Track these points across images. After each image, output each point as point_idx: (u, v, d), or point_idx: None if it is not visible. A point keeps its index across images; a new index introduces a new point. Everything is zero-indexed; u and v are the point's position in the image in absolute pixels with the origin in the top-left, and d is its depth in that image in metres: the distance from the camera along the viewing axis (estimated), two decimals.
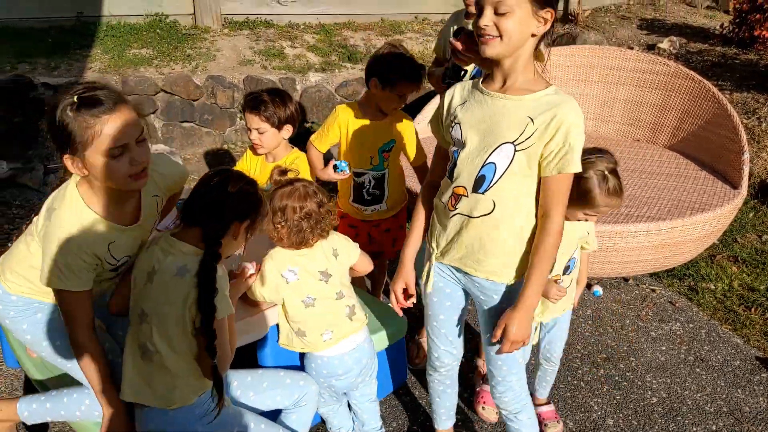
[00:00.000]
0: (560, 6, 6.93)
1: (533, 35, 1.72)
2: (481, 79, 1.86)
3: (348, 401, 2.36)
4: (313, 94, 5.45)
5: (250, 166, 2.88)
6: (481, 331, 2.06)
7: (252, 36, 5.97)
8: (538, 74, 1.79)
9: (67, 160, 1.73)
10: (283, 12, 6.28)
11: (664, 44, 6.39)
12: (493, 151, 1.77)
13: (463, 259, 1.91)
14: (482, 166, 1.79)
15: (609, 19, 7.10)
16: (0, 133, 4.66)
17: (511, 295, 1.86)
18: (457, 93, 1.91)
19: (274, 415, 2.15)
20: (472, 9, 2.00)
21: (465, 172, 1.83)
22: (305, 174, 2.73)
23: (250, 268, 2.15)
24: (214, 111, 5.27)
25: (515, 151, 1.75)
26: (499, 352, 1.86)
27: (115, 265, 1.91)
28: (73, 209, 1.82)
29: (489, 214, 1.81)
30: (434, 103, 4.46)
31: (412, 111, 3.91)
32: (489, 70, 1.83)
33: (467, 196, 1.83)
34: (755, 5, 6.05)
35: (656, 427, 2.55)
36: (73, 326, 1.86)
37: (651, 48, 6.44)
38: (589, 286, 3.52)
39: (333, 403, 2.30)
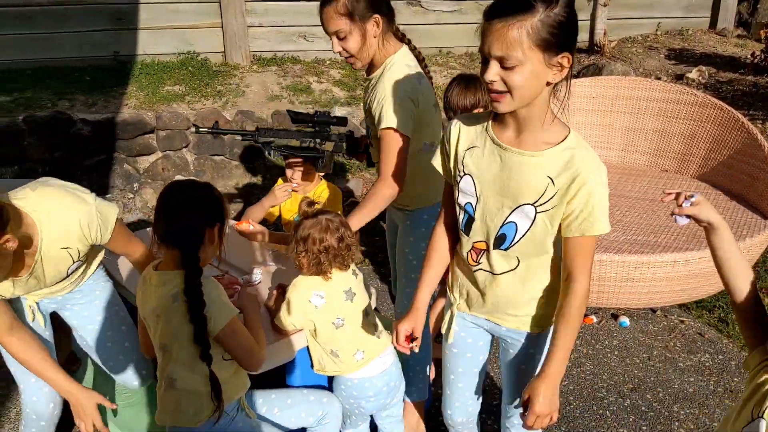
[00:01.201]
0: (585, 37, 6.96)
1: (548, 83, 1.54)
2: (490, 123, 1.69)
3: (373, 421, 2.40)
4: None
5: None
6: (503, 381, 2.00)
7: (279, 72, 6.09)
8: (555, 119, 1.63)
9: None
10: (309, 48, 6.40)
11: (693, 74, 6.36)
12: (513, 211, 1.67)
13: (491, 312, 1.85)
14: (502, 225, 1.70)
15: (636, 49, 7.10)
16: (40, 167, 4.82)
17: (540, 342, 1.83)
18: (462, 133, 1.75)
19: None
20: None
21: (483, 229, 1.74)
22: (334, 205, 2.85)
23: (257, 275, 2.40)
24: (242, 145, 5.37)
25: (536, 212, 1.65)
26: (525, 426, 1.69)
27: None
28: None
29: (514, 270, 1.74)
30: None
31: None
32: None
33: (488, 252, 1.75)
34: None
35: None
36: None
37: (679, 78, 6.41)
38: (615, 316, 3.49)
39: (360, 424, 2.33)
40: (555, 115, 1.62)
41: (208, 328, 1.83)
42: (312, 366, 2.23)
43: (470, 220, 1.75)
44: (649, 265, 3.23)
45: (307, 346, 2.23)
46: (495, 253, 1.73)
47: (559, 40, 1.47)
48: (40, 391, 2.22)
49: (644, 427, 2.67)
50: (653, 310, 3.57)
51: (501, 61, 1.47)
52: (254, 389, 2.12)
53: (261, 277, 2.54)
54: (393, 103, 2.16)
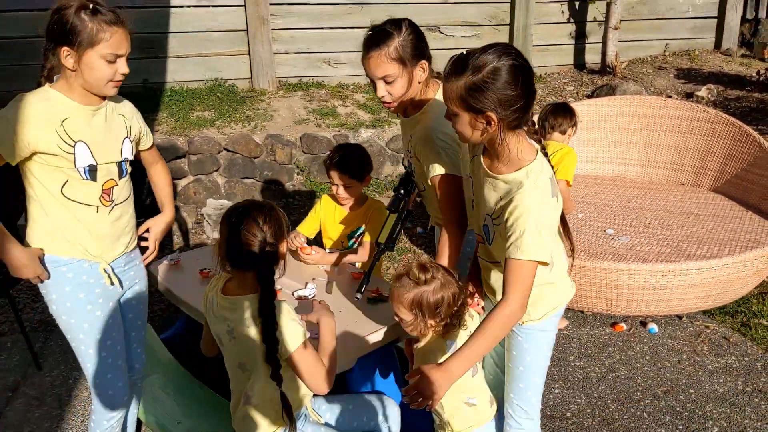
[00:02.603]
0: (598, 59, 7.20)
1: (484, 132, 1.77)
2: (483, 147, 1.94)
3: None
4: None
5: (325, 213, 3.16)
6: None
7: (306, 96, 6.32)
8: (518, 157, 1.81)
9: (64, 52, 1.95)
10: (333, 74, 6.63)
11: (702, 92, 6.58)
12: (485, 218, 1.95)
13: (492, 294, 2.11)
14: (483, 226, 1.98)
15: (646, 69, 7.33)
16: None
17: (531, 336, 2.03)
18: (469, 145, 2.01)
19: None
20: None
21: (476, 225, 2.07)
22: (379, 220, 2.98)
23: (312, 289, 2.64)
24: (273, 167, 5.58)
25: (493, 224, 1.90)
26: (405, 396, 1.77)
27: (71, 146, 2.01)
28: (38, 91, 2.03)
29: (498, 263, 1.98)
30: None
31: None
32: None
33: (483, 243, 2.04)
34: None
35: None
36: None
37: (689, 96, 6.63)
38: (644, 324, 3.66)
39: None
40: (519, 155, 1.81)
41: (278, 350, 1.91)
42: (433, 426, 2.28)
43: (471, 215, 2.11)
44: (676, 273, 3.41)
45: (364, 355, 2.36)
46: (485, 246, 2.03)
47: (480, 101, 1.72)
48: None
49: (680, 427, 2.84)
50: (679, 317, 3.74)
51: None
52: (318, 396, 2.26)
53: (315, 291, 2.69)
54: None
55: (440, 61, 2.06)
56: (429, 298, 2.02)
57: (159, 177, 2.53)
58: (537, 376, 2.10)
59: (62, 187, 2.05)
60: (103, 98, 2.11)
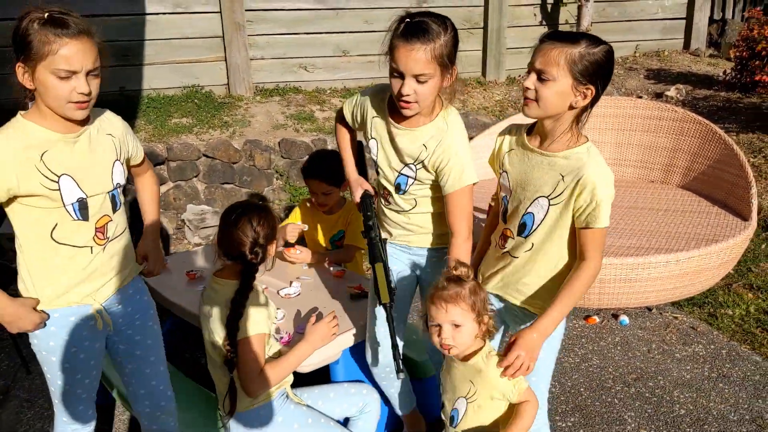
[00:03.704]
0: None
1: (572, 107, 1.88)
2: (526, 131, 2.08)
3: None
4: None
5: (304, 220, 3.24)
6: None
7: (283, 102, 6.39)
8: (578, 135, 1.95)
9: (20, 69, 1.76)
10: (310, 79, 6.71)
11: (671, 92, 6.75)
12: (532, 202, 2.00)
13: (505, 287, 2.15)
14: (524, 215, 2.03)
15: (617, 71, 7.50)
16: None
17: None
18: (506, 140, 2.13)
19: (342, 424, 2.44)
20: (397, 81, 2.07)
21: (512, 217, 2.08)
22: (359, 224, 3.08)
23: (296, 287, 2.75)
24: (252, 173, 5.65)
25: (549, 204, 1.97)
26: (500, 364, 1.89)
27: (54, 182, 1.86)
28: (12, 124, 1.84)
29: (528, 251, 2.04)
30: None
31: None
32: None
33: (513, 239, 2.08)
34: (754, 52, 6.41)
35: None
36: None
37: (659, 96, 6.79)
38: (616, 316, 3.78)
39: None
40: (579, 132, 1.96)
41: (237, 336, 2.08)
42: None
43: (506, 210, 2.12)
44: (645, 266, 3.53)
45: (350, 347, 2.49)
46: (518, 239, 2.06)
47: (590, 71, 1.83)
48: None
49: (649, 411, 2.96)
50: (649, 309, 3.87)
51: (539, 73, 1.87)
52: (301, 386, 2.40)
53: (300, 289, 2.79)
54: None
55: None
56: (479, 291, 1.96)
57: (144, 188, 2.37)
58: (548, 368, 2.15)
59: (51, 232, 1.91)
60: (84, 122, 1.92)
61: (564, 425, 2.89)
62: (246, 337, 2.08)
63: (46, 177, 1.84)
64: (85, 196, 1.92)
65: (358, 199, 2.37)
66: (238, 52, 6.33)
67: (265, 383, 2.14)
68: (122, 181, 2.06)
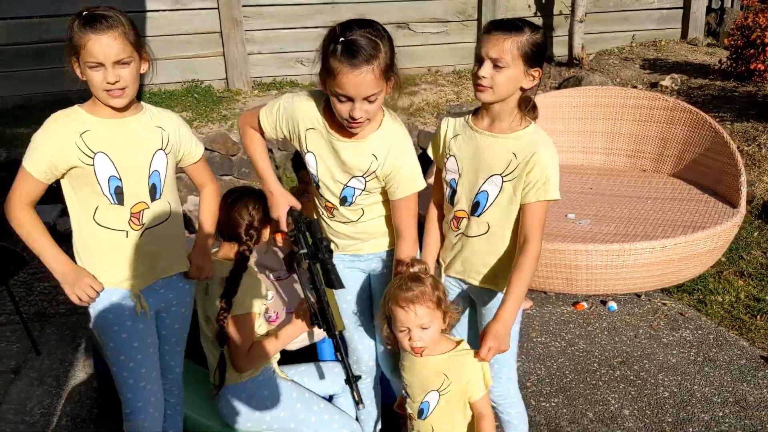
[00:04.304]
0: (565, 51, 7.38)
1: (522, 89, 2.03)
2: (470, 117, 2.17)
3: None
4: None
5: None
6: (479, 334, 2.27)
7: (279, 95, 6.45)
8: (521, 117, 2.08)
9: (73, 62, 1.99)
10: (306, 72, 6.76)
11: (666, 81, 6.77)
12: (485, 181, 2.11)
13: (466, 271, 2.24)
14: (477, 194, 2.13)
15: (613, 61, 7.52)
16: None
17: None
18: (450, 126, 2.22)
19: (327, 401, 2.57)
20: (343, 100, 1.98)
21: (463, 198, 2.17)
22: None
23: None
24: (250, 165, 5.72)
25: (503, 181, 2.08)
26: (476, 355, 1.97)
27: (90, 158, 2.01)
28: (65, 110, 2.07)
29: (485, 234, 2.15)
30: None
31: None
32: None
33: (467, 218, 2.17)
34: (749, 41, 6.43)
35: (668, 415, 2.85)
36: (8, 196, 2.04)
37: (654, 86, 6.82)
38: (604, 302, 3.84)
39: None
40: (522, 113, 2.08)
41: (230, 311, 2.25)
42: None
43: (453, 192, 2.19)
44: (631, 252, 3.59)
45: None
46: (472, 219, 2.15)
47: (535, 56, 1.97)
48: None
49: (633, 393, 3.02)
50: (638, 295, 3.92)
51: (495, 61, 1.95)
52: (289, 364, 2.54)
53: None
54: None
55: (409, 57, 2.13)
56: (438, 284, 1.98)
57: (203, 202, 2.39)
58: (513, 343, 2.22)
59: (94, 214, 2.07)
60: (127, 108, 2.06)
61: (548, 405, 2.95)
62: (237, 315, 2.25)
63: (84, 152, 2.01)
64: (118, 176, 2.05)
65: (285, 222, 2.24)
66: (235, 48, 6.40)
67: (253, 360, 2.30)
68: (162, 170, 2.13)
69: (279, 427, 2.37)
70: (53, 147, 2.00)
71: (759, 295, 3.84)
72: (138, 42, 2.02)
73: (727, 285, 3.99)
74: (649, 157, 5.16)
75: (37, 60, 5.93)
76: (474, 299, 2.32)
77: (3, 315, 3.88)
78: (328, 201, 2.25)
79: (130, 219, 2.09)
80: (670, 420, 2.83)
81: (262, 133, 2.30)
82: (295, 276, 2.83)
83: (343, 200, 2.22)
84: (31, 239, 2.04)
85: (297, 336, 2.40)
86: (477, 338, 2.08)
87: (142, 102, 2.15)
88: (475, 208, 2.14)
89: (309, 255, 2.14)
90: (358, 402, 2.27)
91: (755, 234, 4.67)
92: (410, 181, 2.16)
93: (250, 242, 2.31)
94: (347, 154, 2.13)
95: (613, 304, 3.80)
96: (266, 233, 2.39)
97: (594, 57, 7.53)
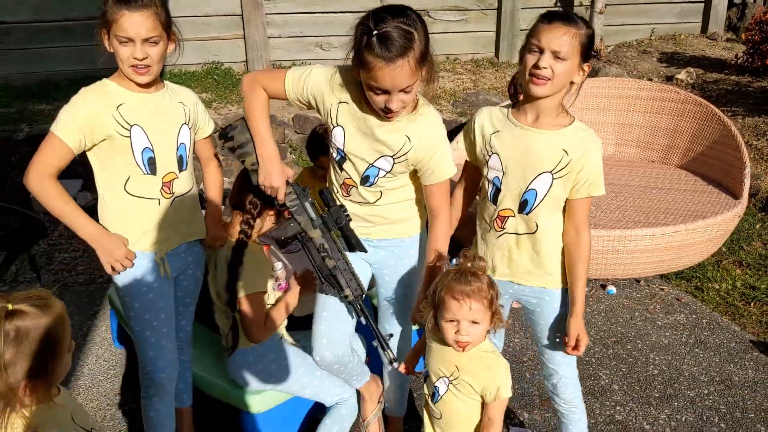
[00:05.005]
0: None
1: (572, 83, 2.01)
2: (509, 111, 2.12)
3: None
4: None
5: (307, 181, 3.43)
6: (536, 336, 2.31)
7: None
8: (564, 111, 2.07)
9: (104, 34, 2.08)
10: (326, 57, 6.91)
11: (682, 75, 6.82)
12: (534, 179, 2.05)
13: (514, 273, 2.20)
14: (525, 192, 2.08)
15: (630, 53, 7.57)
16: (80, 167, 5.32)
17: (563, 299, 2.19)
18: (486, 121, 2.15)
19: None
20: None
21: (509, 197, 2.11)
22: None
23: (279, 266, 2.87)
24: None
25: (553, 179, 2.04)
26: (570, 352, 2.14)
27: (126, 130, 2.12)
28: (95, 83, 2.16)
29: (534, 232, 2.11)
30: None
31: None
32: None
33: (514, 217, 2.12)
34: (766, 36, 6.45)
35: (655, 391, 2.98)
36: (30, 166, 2.08)
37: (669, 79, 6.87)
38: (603, 286, 3.95)
39: None
40: (565, 110, 2.08)
41: (237, 285, 2.36)
42: None
43: (497, 191, 2.14)
44: (631, 238, 3.70)
45: None
46: (519, 217, 2.12)
47: (588, 51, 1.99)
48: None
49: (624, 370, 3.14)
50: (637, 281, 4.03)
51: (555, 53, 1.92)
52: (296, 330, 2.66)
53: (299, 245, 2.98)
54: (449, 150, 2.17)
55: (432, 45, 2.08)
56: (494, 285, 1.96)
57: (209, 176, 2.52)
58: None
59: (125, 184, 2.16)
60: (152, 85, 2.16)
61: (541, 378, 3.06)
62: (249, 294, 2.37)
63: (120, 125, 2.11)
64: (152, 148, 2.16)
65: (284, 192, 2.19)
66: (256, 30, 6.55)
67: (267, 332, 2.45)
68: (187, 142, 2.27)
69: (282, 389, 2.52)
70: (89, 117, 2.07)
71: (755, 284, 3.93)
72: (168, 23, 2.12)
73: (725, 273, 4.08)
74: (658, 149, 5.24)
75: (62, 37, 6.11)
76: (524, 302, 2.29)
77: (24, 283, 4.03)
78: (348, 177, 2.20)
79: (162, 188, 2.21)
80: (657, 395, 2.96)
81: (273, 97, 2.21)
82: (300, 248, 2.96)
83: (365, 179, 2.18)
84: (58, 208, 2.11)
85: (296, 296, 2.55)
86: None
87: (163, 80, 2.28)
88: (523, 206, 2.10)
89: (321, 223, 2.19)
90: (391, 361, 2.25)
91: (757, 226, 4.74)
92: (444, 165, 2.16)
93: (254, 210, 2.41)
94: (381, 131, 2.09)
95: (612, 288, 3.91)
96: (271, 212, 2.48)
97: (612, 49, 7.59)
